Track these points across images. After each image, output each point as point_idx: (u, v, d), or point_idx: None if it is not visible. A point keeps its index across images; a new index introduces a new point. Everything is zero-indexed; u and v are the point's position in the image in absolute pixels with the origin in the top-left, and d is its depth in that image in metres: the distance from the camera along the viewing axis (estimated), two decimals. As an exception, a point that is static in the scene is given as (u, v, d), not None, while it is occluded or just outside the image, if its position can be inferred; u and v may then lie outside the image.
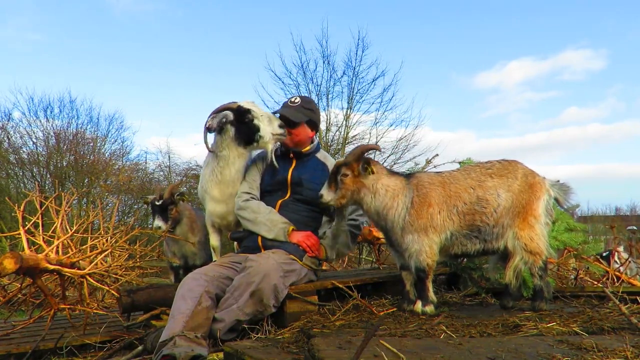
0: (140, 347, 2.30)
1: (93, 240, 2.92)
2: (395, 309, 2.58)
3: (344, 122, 11.87)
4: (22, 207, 2.62)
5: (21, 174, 11.32)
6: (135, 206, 10.95)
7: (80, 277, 2.56)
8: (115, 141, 13.46)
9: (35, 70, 21.18)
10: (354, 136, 11.82)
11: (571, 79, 26.37)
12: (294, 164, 2.83)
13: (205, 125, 2.70)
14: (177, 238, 3.53)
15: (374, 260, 4.65)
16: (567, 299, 2.84)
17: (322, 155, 2.93)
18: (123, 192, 11.11)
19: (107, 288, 2.77)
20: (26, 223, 2.57)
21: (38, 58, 21.01)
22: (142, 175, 12.55)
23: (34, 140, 11.84)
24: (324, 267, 3.86)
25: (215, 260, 2.87)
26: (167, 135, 30.62)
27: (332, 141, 11.80)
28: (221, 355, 2.00)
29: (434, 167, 4.54)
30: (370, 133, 11.91)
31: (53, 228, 2.76)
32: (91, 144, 12.66)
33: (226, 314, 2.27)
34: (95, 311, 2.74)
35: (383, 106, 12.01)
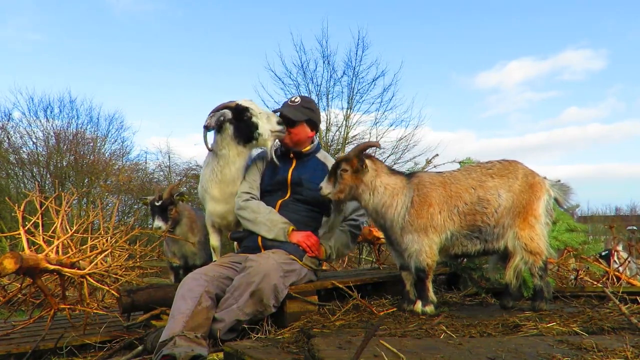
0: (140, 347, 2.30)
1: (93, 240, 2.92)
2: (395, 309, 2.58)
3: (344, 122, 11.88)
4: (22, 207, 2.62)
5: (21, 174, 11.32)
6: (135, 206, 10.94)
7: (80, 277, 2.56)
8: (115, 141, 13.48)
9: (35, 70, 21.19)
10: (354, 136, 11.82)
11: (571, 79, 26.36)
12: (294, 164, 2.83)
13: (204, 124, 2.71)
14: (177, 238, 3.53)
15: (374, 260, 4.65)
16: (567, 299, 2.84)
17: (322, 155, 2.93)
18: (123, 192, 11.11)
19: (107, 288, 2.77)
20: (26, 223, 2.58)
21: (38, 58, 21.01)
22: (142, 175, 12.54)
23: (34, 140, 11.86)
24: (324, 267, 3.86)
25: (215, 260, 2.88)
26: (167, 135, 30.58)
27: (332, 141, 11.79)
28: (221, 355, 2.00)
29: (434, 167, 4.54)
30: (370, 133, 11.92)
31: (53, 228, 2.76)
32: (91, 144, 12.66)
33: (226, 314, 2.27)
34: (95, 311, 2.74)
35: (383, 106, 12.01)
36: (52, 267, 2.37)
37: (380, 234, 4.04)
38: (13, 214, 4.05)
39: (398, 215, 2.45)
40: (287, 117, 2.75)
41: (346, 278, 2.91)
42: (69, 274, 2.48)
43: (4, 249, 7.05)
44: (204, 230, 3.52)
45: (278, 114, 2.78)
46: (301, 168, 2.81)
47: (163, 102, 23.14)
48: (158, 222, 3.42)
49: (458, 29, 21.79)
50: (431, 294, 2.50)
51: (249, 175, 2.87)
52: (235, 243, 2.96)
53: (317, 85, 12.02)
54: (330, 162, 2.85)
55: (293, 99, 2.87)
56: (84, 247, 2.84)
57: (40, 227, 2.67)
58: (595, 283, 3.20)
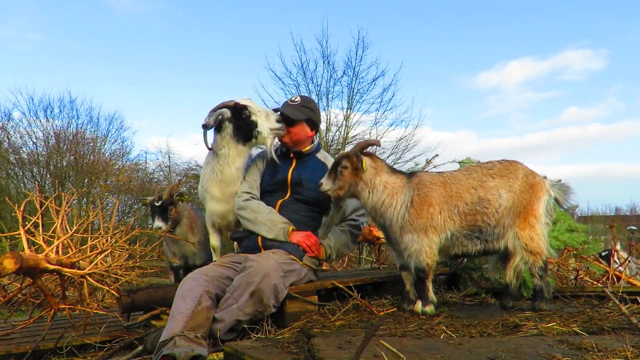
0: (140, 347, 2.30)
1: (93, 240, 2.92)
2: (395, 309, 2.58)
3: (344, 122, 11.87)
4: (22, 207, 2.62)
5: (21, 174, 11.31)
6: (135, 206, 10.94)
7: (80, 277, 2.56)
8: (115, 141, 13.47)
9: (35, 70, 21.18)
10: (354, 136, 11.80)
11: (571, 79, 26.36)
12: (294, 164, 2.83)
13: (203, 123, 2.71)
14: (177, 238, 3.54)
15: (374, 260, 4.65)
16: (567, 299, 2.84)
17: (322, 155, 2.93)
18: (123, 192, 11.10)
19: (107, 288, 2.77)
20: (26, 223, 2.57)
21: (38, 58, 21.00)
22: (142, 175, 12.54)
23: (34, 140, 11.85)
24: (324, 267, 3.86)
25: (215, 260, 2.88)
26: (167, 135, 30.58)
27: (332, 141, 11.78)
28: (221, 355, 2.00)
29: (434, 167, 4.54)
30: (370, 133, 11.90)
31: (53, 228, 2.76)
32: (91, 144, 12.66)
33: (226, 314, 2.27)
34: (95, 311, 2.74)
35: (383, 106, 12.00)
36: (52, 267, 2.37)
37: (381, 234, 4.04)
38: (13, 214, 4.05)
39: (397, 214, 2.45)
40: (287, 116, 2.75)
41: (346, 278, 2.91)
42: (69, 274, 2.48)
43: (4, 249, 7.05)
44: (203, 230, 3.52)
45: (278, 113, 2.78)
46: (301, 168, 2.81)
47: (163, 102, 23.15)
48: (158, 223, 3.42)
49: (458, 29, 21.80)
50: (431, 294, 2.50)
51: (249, 175, 2.87)
52: (235, 243, 2.96)
53: (317, 85, 12.03)
54: (330, 162, 2.85)
55: (293, 98, 2.88)
56: (84, 247, 2.84)
57: (40, 227, 2.67)
58: (595, 283, 3.20)
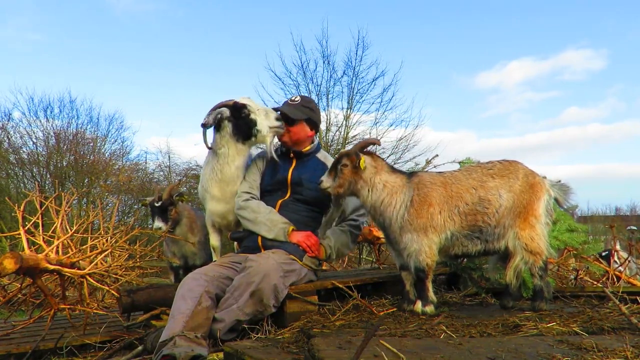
0: (140, 347, 2.30)
1: (93, 240, 2.92)
2: (395, 309, 2.58)
3: (344, 122, 11.86)
4: (22, 207, 2.62)
5: (21, 174, 11.31)
6: (135, 206, 10.93)
7: (80, 277, 2.56)
8: (115, 141, 13.47)
9: (35, 70, 21.17)
10: (354, 136, 11.79)
11: (571, 79, 26.37)
12: (294, 164, 2.83)
13: (202, 122, 2.71)
14: (177, 238, 3.54)
15: (374, 260, 4.65)
16: (567, 299, 2.84)
17: (322, 155, 2.93)
18: (123, 192, 11.10)
19: (107, 288, 2.77)
20: (26, 223, 2.57)
21: (38, 58, 20.99)
22: (142, 175, 12.54)
23: (34, 140, 11.85)
24: (324, 267, 3.86)
25: (215, 260, 2.88)
26: (167, 135, 30.56)
27: (332, 141, 11.78)
28: (221, 355, 2.00)
29: (434, 167, 4.53)
30: (370, 133, 11.89)
31: (53, 228, 2.76)
32: (91, 144, 12.65)
33: (226, 314, 2.27)
34: (95, 311, 2.74)
35: (383, 106, 11.99)
36: (52, 267, 2.37)
37: (381, 234, 4.04)
38: (13, 214, 4.05)
39: (397, 213, 2.45)
40: (287, 116, 2.75)
41: (346, 278, 2.91)
42: (69, 274, 2.48)
43: (4, 249, 7.05)
44: (203, 230, 3.52)
45: (278, 112, 2.78)
46: (301, 168, 2.81)
47: (163, 102, 23.15)
48: (158, 223, 3.42)
49: (458, 29, 21.80)
50: (431, 294, 2.50)
51: (249, 175, 2.87)
52: (235, 243, 2.96)
53: (317, 85, 12.02)
54: (330, 162, 2.85)
55: (293, 98, 2.88)
56: (84, 247, 2.84)
57: (40, 227, 2.67)
58: (595, 283, 3.20)
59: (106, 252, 2.81)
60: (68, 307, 2.58)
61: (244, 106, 2.72)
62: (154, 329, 2.47)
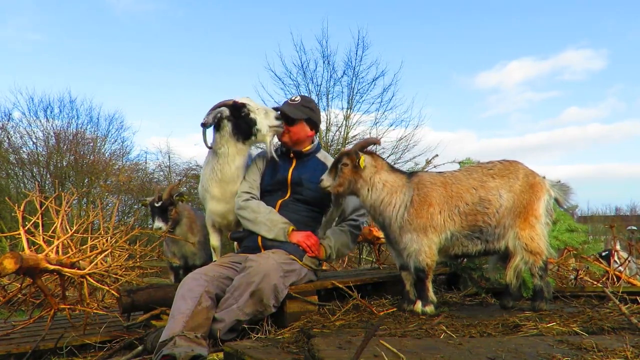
0: (140, 347, 2.30)
1: (93, 240, 2.92)
2: (395, 309, 2.58)
3: (344, 122, 11.87)
4: (22, 207, 2.62)
5: (21, 174, 11.31)
6: (135, 206, 10.94)
7: (80, 277, 2.56)
8: (115, 141, 13.47)
9: (35, 70, 21.18)
10: (354, 136, 11.80)
11: (571, 79, 26.38)
12: (294, 164, 2.83)
13: (202, 122, 2.71)
14: (177, 238, 3.54)
15: (374, 260, 4.65)
16: (567, 299, 2.84)
17: (322, 155, 2.93)
18: (123, 192, 11.10)
19: (107, 288, 2.77)
20: (26, 223, 2.57)
21: (38, 58, 21.00)
22: (142, 175, 12.54)
23: (34, 140, 11.85)
24: (324, 267, 3.86)
25: (215, 260, 2.88)
26: (167, 135, 30.58)
27: (332, 141, 11.78)
28: (221, 355, 2.00)
29: (434, 167, 4.53)
30: (370, 133, 11.89)
31: (53, 228, 2.76)
32: (91, 144, 12.66)
33: (226, 314, 2.27)
34: (95, 311, 2.74)
35: (383, 106, 12.00)
36: (52, 267, 2.37)
37: (381, 234, 4.04)
38: (13, 214, 4.05)
39: (397, 213, 2.46)
40: (287, 115, 2.75)
41: (346, 278, 2.91)
42: (69, 274, 2.48)
43: (4, 249, 7.05)
44: (203, 231, 3.52)
45: (278, 112, 2.78)
46: (301, 168, 2.81)
47: (163, 102, 23.16)
48: (158, 223, 3.42)
49: (458, 29, 21.80)
50: (431, 294, 2.50)
51: (249, 175, 2.87)
52: (235, 243, 2.96)
53: (317, 85, 12.03)
54: (330, 162, 2.85)
55: (293, 97, 2.88)
56: (84, 247, 2.83)
57: (40, 227, 2.67)
58: (595, 283, 3.20)
59: (106, 252, 2.81)
60: (68, 307, 2.58)
61: (243, 105, 2.72)
62: (154, 329, 2.47)
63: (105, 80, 22.00)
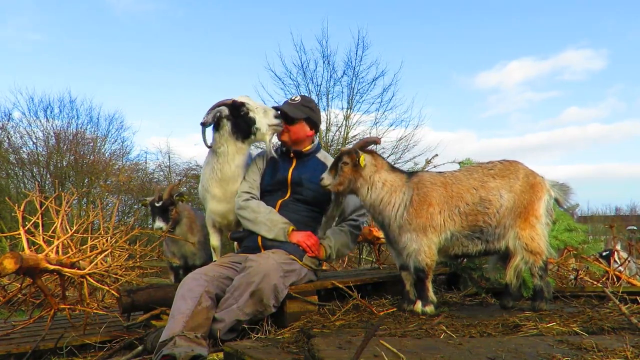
0: (140, 347, 2.30)
1: (93, 240, 2.92)
2: (395, 309, 2.58)
3: (344, 122, 11.88)
4: (22, 207, 2.62)
5: (21, 174, 11.32)
6: (135, 206, 10.94)
7: (80, 277, 2.56)
8: (115, 141, 13.48)
9: (35, 70, 21.20)
10: (354, 136, 11.81)
11: (571, 79, 26.42)
12: (294, 164, 2.83)
13: (201, 121, 2.71)
14: (177, 238, 3.54)
15: (374, 260, 4.65)
16: (567, 299, 2.84)
17: (322, 155, 2.93)
18: (123, 192, 11.11)
19: (107, 288, 2.77)
20: (26, 223, 2.57)
21: (38, 58, 21.02)
22: (142, 175, 12.54)
23: (34, 140, 11.86)
24: (324, 267, 3.86)
25: (215, 260, 2.87)
26: (167, 135, 30.62)
27: (332, 141, 11.79)
28: (221, 355, 2.00)
29: (434, 167, 4.54)
30: (370, 133, 11.89)
31: (53, 228, 2.76)
32: (91, 144, 12.66)
33: (226, 314, 2.27)
34: (95, 311, 2.74)
35: (383, 106, 12.01)
36: (52, 267, 2.37)
37: (381, 234, 4.04)
38: (13, 214, 4.05)
39: (396, 212, 2.46)
40: (286, 114, 2.75)
41: (346, 278, 2.91)
42: (69, 274, 2.48)
43: (4, 249, 7.05)
44: (203, 231, 3.52)
45: (278, 112, 2.78)
46: (301, 168, 2.81)
47: (163, 102, 23.17)
48: (159, 223, 3.42)
49: (458, 29, 21.82)
50: (431, 294, 2.50)
51: (249, 175, 2.87)
52: (235, 243, 2.96)
53: (317, 85, 12.04)
54: (330, 162, 2.85)
55: (293, 97, 2.88)
56: (84, 247, 2.84)
57: (40, 227, 2.67)
58: (595, 283, 3.20)
59: (106, 252, 2.81)
60: (68, 307, 2.58)
61: (242, 104, 2.72)
62: (154, 329, 2.47)
63: (105, 80, 22.04)
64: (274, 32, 22.28)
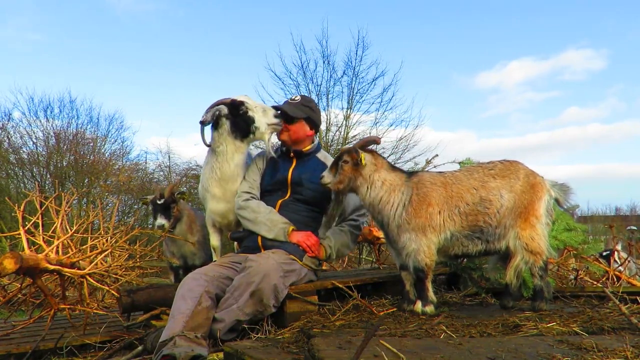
0: (140, 347, 2.30)
1: (93, 240, 2.92)
2: (395, 309, 2.58)
3: (344, 122, 11.89)
4: (22, 207, 2.62)
5: (21, 174, 11.32)
6: (135, 206, 10.95)
7: (80, 277, 2.56)
8: (115, 141, 13.49)
9: (35, 70, 21.21)
10: (354, 136, 11.81)
11: (572, 79, 26.42)
12: (294, 164, 2.83)
13: (200, 120, 2.71)
14: (177, 238, 3.53)
15: (374, 260, 4.65)
16: (567, 299, 2.84)
17: (322, 155, 2.93)
18: (123, 192, 11.11)
19: (107, 288, 2.77)
20: (26, 223, 2.57)
21: (38, 58, 21.03)
22: (142, 175, 12.55)
23: (34, 140, 11.87)
24: (324, 267, 3.86)
25: (215, 260, 2.87)
26: (167, 135, 30.70)
27: (332, 141, 11.79)
28: (221, 355, 2.00)
29: (434, 167, 4.53)
30: (370, 133, 11.90)
31: (53, 228, 2.76)
32: (91, 144, 12.66)
33: (226, 314, 2.27)
34: (95, 311, 2.74)
35: (383, 106, 12.02)
36: (52, 267, 2.37)
37: (381, 234, 4.04)
38: (13, 214, 4.05)
39: (395, 212, 2.46)
40: (286, 114, 2.75)
41: (346, 278, 2.91)
42: (69, 274, 2.48)
43: (4, 249, 7.05)
44: (203, 231, 3.52)
45: (279, 112, 2.78)
46: (301, 167, 2.81)
47: (163, 102, 23.19)
48: (161, 220, 3.42)
49: (458, 29, 21.82)
50: (431, 294, 2.50)
51: (249, 174, 2.87)
52: (235, 243, 2.96)
53: (317, 85, 12.04)
54: (330, 162, 2.85)
55: (294, 97, 2.88)
56: (84, 247, 2.84)
57: (40, 227, 2.67)
58: (595, 283, 3.20)
59: (106, 252, 2.81)
60: (68, 307, 2.58)
61: (241, 103, 2.72)
62: (154, 329, 2.47)
63: (105, 80, 22.05)
64: (274, 32, 22.31)
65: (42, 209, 2.75)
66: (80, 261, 2.66)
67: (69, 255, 2.60)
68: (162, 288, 2.88)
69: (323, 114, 11.68)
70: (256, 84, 14.82)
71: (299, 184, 2.75)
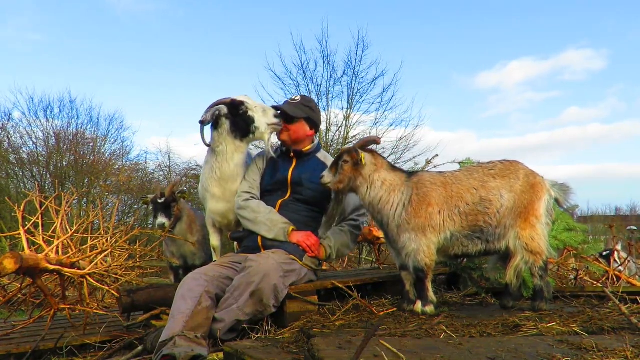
0: (140, 347, 2.30)
1: (93, 240, 2.92)
2: (395, 309, 2.58)
3: (344, 122, 11.89)
4: (22, 207, 2.62)
5: (21, 174, 11.33)
6: (135, 206, 10.96)
7: (80, 277, 2.56)
8: (115, 141, 13.49)
9: (35, 70, 21.21)
10: (354, 136, 11.82)
11: (572, 79, 26.42)
12: (294, 164, 2.83)
13: (200, 119, 2.71)
14: (177, 238, 3.54)
15: (374, 260, 4.65)
16: (567, 299, 2.84)
17: (322, 155, 2.93)
18: (123, 192, 11.12)
19: (107, 288, 2.77)
20: (26, 223, 2.57)
21: (38, 58, 21.03)
22: (142, 175, 12.56)
23: (34, 140, 11.87)
24: (324, 267, 3.86)
25: (215, 260, 2.87)
26: (167, 135, 30.74)
27: (332, 141, 11.80)
28: (221, 355, 2.00)
29: (434, 167, 4.53)
30: (370, 133, 11.91)
31: (53, 228, 2.76)
32: (91, 144, 12.67)
33: (226, 314, 2.27)
34: (95, 311, 2.74)
35: (383, 106, 12.03)
36: (52, 267, 2.37)
37: (381, 234, 4.04)
38: (13, 214, 4.05)
39: (394, 212, 2.46)
40: (286, 114, 2.75)
41: (346, 278, 2.91)
42: (69, 274, 2.48)
43: (4, 249, 7.05)
44: (203, 230, 3.53)
45: (279, 112, 2.78)
46: (301, 167, 2.81)
47: (163, 102, 23.20)
48: (162, 219, 3.42)
49: (458, 29, 21.82)
50: (431, 294, 2.50)
51: (249, 174, 2.87)
52: (235, 243, 2.96)
53: (317, 85, 12.04)
54: (330, 162, 2.85)
55: (294, 97, 2.89)
56: (84, 247, 2.84)
57: (40, 227, 2.67)
58: (595, 283, 3.20)
59: (106, 252, 2.81)
60: (68, 307, 2.58)
61: (241, 103, 2.72)
62: (154, 329, 2.47)
63: (105, 80, 22.05)
64: (274, 32, 22.32)
65: (42, 209, 2.75)
66: (80, 261, 2.67)
67: (69, 255, 2.60)
68: (162, 288, 2.88)
69: (323, 114, 11.69)
70: (256, 84, 14.84)
71: (299, 184, 2.75)
